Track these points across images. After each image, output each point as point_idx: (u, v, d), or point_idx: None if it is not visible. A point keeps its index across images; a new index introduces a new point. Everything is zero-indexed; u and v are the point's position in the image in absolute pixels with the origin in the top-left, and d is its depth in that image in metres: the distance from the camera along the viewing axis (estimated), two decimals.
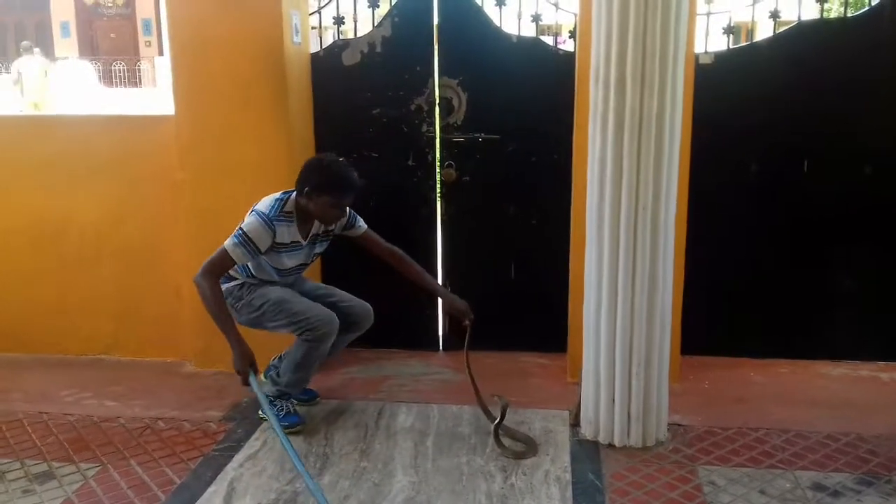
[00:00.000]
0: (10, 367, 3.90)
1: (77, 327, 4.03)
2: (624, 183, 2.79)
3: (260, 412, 3.26)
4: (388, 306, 4.03)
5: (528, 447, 3.01)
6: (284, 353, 3.27)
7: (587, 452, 2.97)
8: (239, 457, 2.98)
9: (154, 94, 16.97)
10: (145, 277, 3.95)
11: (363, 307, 3.31)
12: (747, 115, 3.66)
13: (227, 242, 2.96)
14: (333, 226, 3.19)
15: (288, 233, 3.04)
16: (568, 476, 2.80)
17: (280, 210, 3.02)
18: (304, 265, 3.20)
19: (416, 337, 4.07)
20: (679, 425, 3.15)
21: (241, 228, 2.96)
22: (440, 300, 3.43)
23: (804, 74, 3.62)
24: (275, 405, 3.15)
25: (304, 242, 3.11)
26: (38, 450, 3.06)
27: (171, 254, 3.80)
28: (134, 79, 22.11)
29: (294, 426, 3.13)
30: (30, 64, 11.97)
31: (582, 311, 3.08)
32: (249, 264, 3.07)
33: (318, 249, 3.23)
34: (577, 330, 3.22)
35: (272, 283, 3.16)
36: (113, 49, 22.80)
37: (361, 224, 3.26)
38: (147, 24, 22.19)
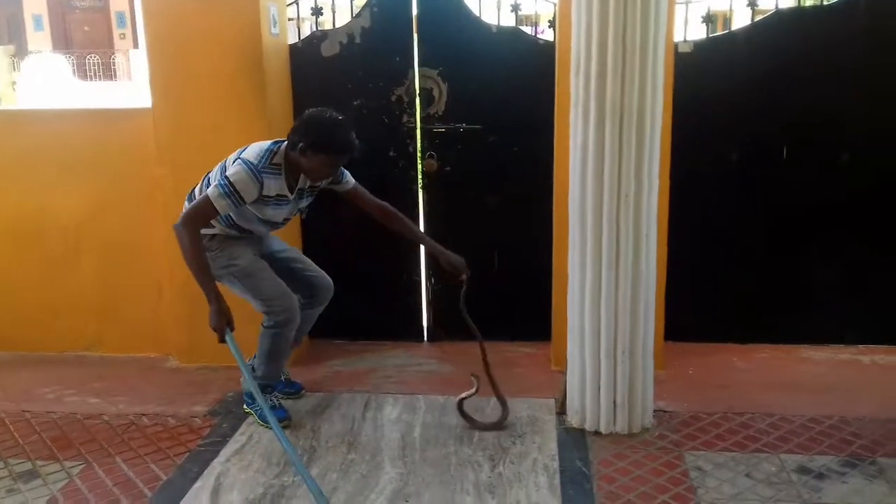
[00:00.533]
0: None
1: (59, 324, 3.99)
2: (606, 173, 2.80)
3: (245, 406, 3.25)
4: (372, 297, 4.05)
5: (496, 421, 3.07)
6: (257, 350, 3.22)
7: (574, 440, 2.99)
8: (225, 451, 2.97)
9: (129, 88, 16.77)
10: (126, 273, 3.92)
11: (325, 279, 3.28)
12: (727, 103, 3.69)
13: (211, 191, 2.82)
14: (311, 182, 3.07)
15: (275, 185, 2.91)
16: (555, 464, 2.82)
17: (269, 161, 2.88)
18: (287, 219, 3.10)
19: (400, 328, 4.07)
20: (664, 411, 3.18)
21: (226, 177, 2.81)
22: (433, 255, 3.24)
23: (782, 63, 3.65)
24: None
25: (290, 196, 2.98)
26: (22, 448, 3.04)
27: (152, 249, 3.77)
28: (108, 72, 21.84)
29: (280, 421, 3.09)
30: None
31: (566, 300, 3.10)
32: (231, 213, 2.94)
33: (303, 204, 3.12)
34: (562, 318, 3.23)
35: (245, 238, 3.07)
36: (87, 42, 22.50)
37: (349, 179, 3.13)
38: (121, 17, 21.90)
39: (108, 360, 3.93)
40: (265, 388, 3.18)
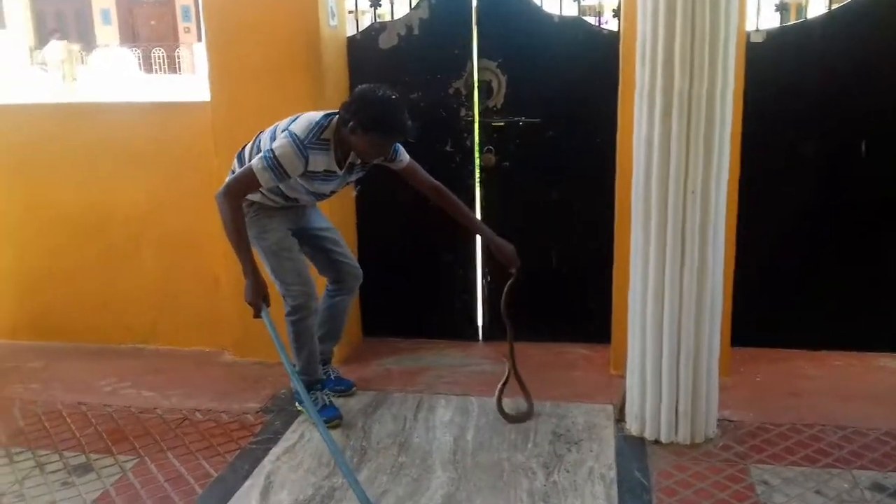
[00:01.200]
0: (52, 356, 3.92)
1: (117, 317, 4.03)
2: (672, 167, 2.67)
3: (297, 404, 3.21)
4: (426, 294, 3.98)
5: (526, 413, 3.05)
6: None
7: (633, 449, 2.87)
8: (276, 450, 2.94)
9: (193, 80, 17.09)
10: (184, 265, 3.93)
11: (353, 268, 3.24)
12: (801, 94, 3.50)
13: (255, 163, 2.75)
14: (360, 161, 2.99)
15: (322, 161, 2.82)
16: (612, 474, 2.71)
17: (318, 136, 2.79)
18: (334, 192, 3.05)
19: (454, 326, 3.99)
20: (729, 421, 3.02)
21: (270, 150, 2.74)
22: (487, 243, 3.18)
23: (860, 52, 3.44)
24: (311, 397, 3.10)
25: (339, 172, 2.90)
26: (77, 441, 3.06)
27: (210, 242, 3.75)
28: (173, 65, 22.31)
29: (331, 420, 3.06)
30: (55, 47, 12.24)
31: (626, 301, 2.97)
32: (282, 185, 2.88)
33: (353, 177, 3.06)
34: (622, 320, 3.11)
35: (285, 209, 3.01)
36: (153, 36, 23.01)
37: (404, 156, 3.03)
38: (186, 11, 22.35)
39: (164, 352, 3.96)
40: (314, 385, 3.13)
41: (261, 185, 2.79)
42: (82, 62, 12.18)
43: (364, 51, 3.75)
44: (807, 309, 3.68)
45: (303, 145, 2.75)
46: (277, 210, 3.01)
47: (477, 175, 3.83)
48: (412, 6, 3.71)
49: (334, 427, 3.05)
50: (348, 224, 3.87)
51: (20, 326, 4.13)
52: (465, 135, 3.77)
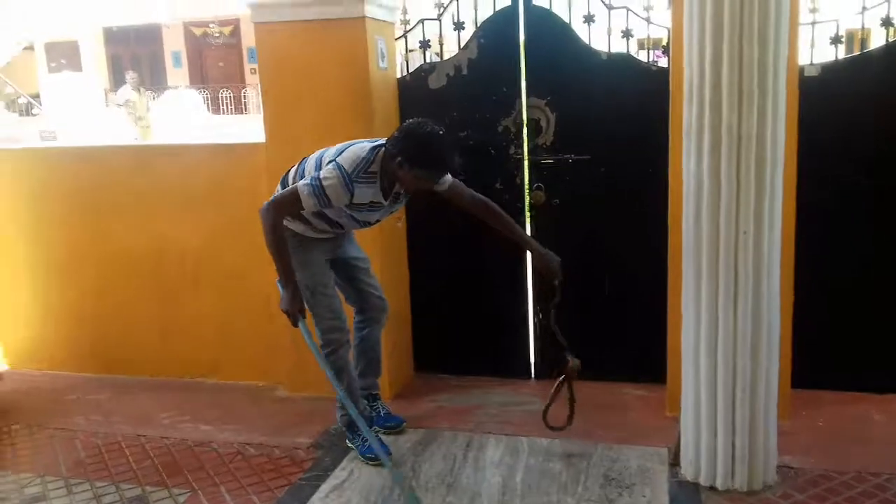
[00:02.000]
0: (115, 389, 4.04)
1: (177, 351, 4.13)
2: (722, 207, 2.62)
3: (348, 441, 3.23)
4: (478, 331, 3.97)
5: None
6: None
7: (687, 495, 2.79)
8: (325, 487, 2.96)
9: (258, 120, 17.56)
10: (241, 302, 4.02)
11: (379, 300, 3.28)
12: (859, 129, 3.40)
13: (302, 187, 2.81)
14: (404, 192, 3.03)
15: (369, 193, 2.87)
16: None
17: (365, 170, 2.84)
18: (378, 220, 3.10)
19: (506, 364, 3.96)
20: (789, 468, 2.91)
21: (318, 179, 2.80)
22: (530, 255, 3.29)
23: None
24: (359, 436, 3.13)
25: (385, 203, 2.95)
26: (134, 473, 3.13)
27: (265, 279, 3.82)
28: (240, 105, 23.01)
29: (376, 457, 3.06)
30: (131, 91, 12.69)
31: (681, 341, 2.91)
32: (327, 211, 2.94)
33: (398, 206, 3.12)
34: (677, 360, 3.04)
35: (326, 239, 3.08)
36: (221, 77, 23.78)
37: (447, 178, 3.03)
38: (252, 53, 22.88)
39: (222, 386, 4.03)
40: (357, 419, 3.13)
41: (303, 208, 2.87)
42: (147, 107, 12.58)
43: (414, 91, 3.81)
44: (872, 351, 3.54)
45: (350, 179, 2.80)
46: (318, 242, 3.08)
47: (527, 212, 3.82)
48: (461, 47, 3.76)
49: (378, 465, 3.04)
50: (400, 259, 3.91)
51: (84, 359, 4.26)
52: (515, 172, 3.78)
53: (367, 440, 3.09)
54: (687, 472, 2.89)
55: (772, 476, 2.82)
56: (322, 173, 2.81)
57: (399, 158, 2.79)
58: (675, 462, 2.97)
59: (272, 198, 2.93)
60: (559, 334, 3.17)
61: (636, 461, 3.03)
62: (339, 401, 3.17)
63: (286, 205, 2.88)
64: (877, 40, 3.51)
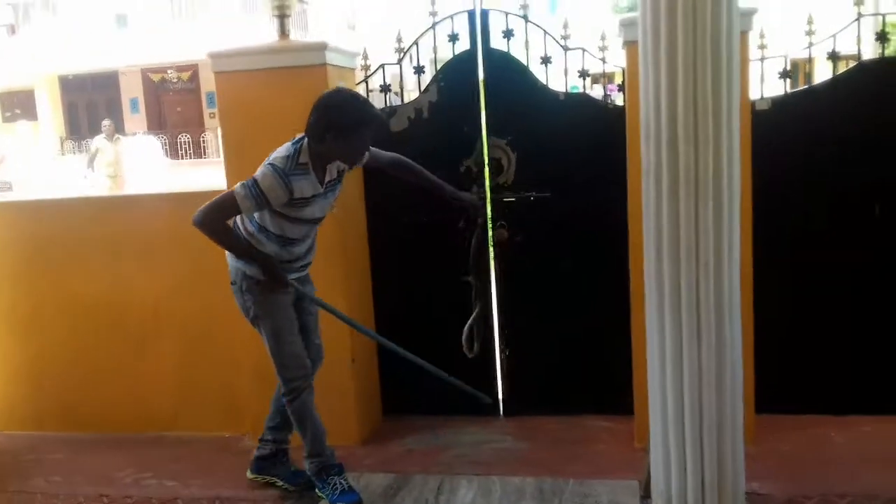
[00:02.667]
0: (74, 447, 3.93)
1: (139, 405, 4.05)
2: (682, 241, 2.66)
3: (317, 490, 3.18)
4: (445, 370, 3.95)
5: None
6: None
7: None
8: None
9: (217, 165, 17.48)
10: (204, 351, 3.96)
11: (320, 352, 3.25)
12: (810, 160, 3.52)
13: (238, 189, 2.77)
14: (347, 167, 3.03)
15: (307, 185, 2.85)
16: None
17: (295, 163, 2.82)
18: (319, 219, 3.03)
19: (474, 401, 3.94)
20: (758, 494, 2.96)
21: (254, 180, 2.78)
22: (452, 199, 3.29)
23: (868, 116, 3.46)
24: (328, 484, 3.09)
25: (322, 191, 2.94)
26: None
27: (229, 327, 3.78)
28: (199, 150, 22.91)
29: None
30: (105, 141, 12.55)
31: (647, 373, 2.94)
32: (255, 237, 2.92)
33: (331, 198, 3.04)
34: (643, 391, 3.06)
35: (285, 293, 3.02)
36: (179, 122, 23.71)
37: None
38: (211, 97, 23.00)
39: (185, 439, 3.95)
40: (329, 470, 3.12)
41: (240, 213, 2.82)
42: (118, 159, 12.43)
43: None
44: (831, 373, 3.62)
45: (285, 174, 2.79)
46: (277, 293, 3.01)
47: (490, 250, 3.85)
48: (421, 90, 3.81)
49: None
50: (364, 299, 3.90)
51: (42, 417, 4.15)
52: None
53: (337, 488, 3.06)
54: (658, 503, 2.89)
55: (741, 503, 2.84)
56: (257, 175, 2.80)
57: (328, 134, 2.78)
58: (646, 494, 2.98)
59: (205, 206, 2.84)
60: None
61: (607, 496, 3.04)
62: (307, 448, 3.14)
63: (221, 210, 2.82)
64: (821, 70, 3.64)
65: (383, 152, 3.20)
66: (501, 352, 3.91)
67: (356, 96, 2.85)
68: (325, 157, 2.86)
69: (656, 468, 2.91)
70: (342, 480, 3.12)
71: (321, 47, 3.47)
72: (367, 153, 3.00)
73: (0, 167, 15.40)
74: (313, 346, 3.22)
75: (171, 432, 4.01)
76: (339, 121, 2.78)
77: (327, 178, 2.95)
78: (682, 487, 2.82)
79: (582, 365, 3.82)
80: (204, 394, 3.98)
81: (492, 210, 3.81)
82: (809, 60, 3.52)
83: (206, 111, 23.24)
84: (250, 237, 2.96)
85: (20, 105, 23.02)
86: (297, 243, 3.01)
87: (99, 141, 12.39)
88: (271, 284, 2.92)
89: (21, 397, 4.18)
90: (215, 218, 2.84)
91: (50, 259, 4.07)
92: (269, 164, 2.84)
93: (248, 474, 3.37)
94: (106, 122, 13.08)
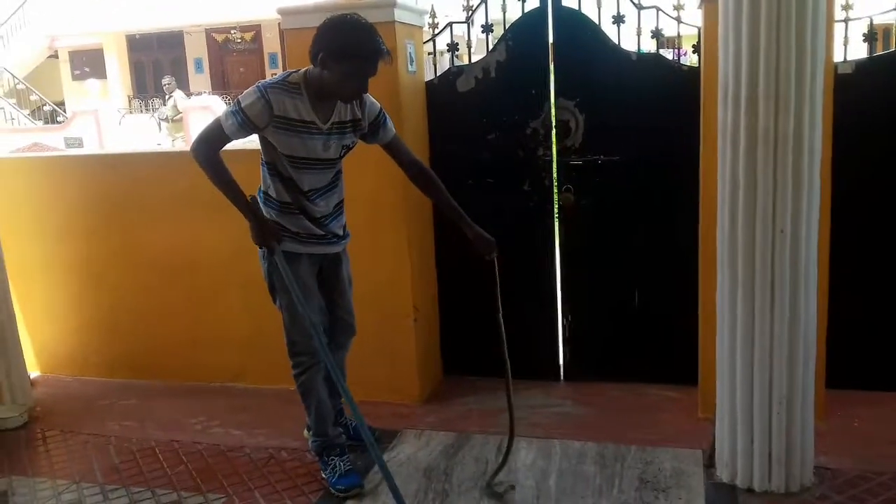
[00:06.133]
0: (145, 395, 4.06)
1: (207, 356, 4.15)
2: (759, 206, 2.59)
3: (321, 472, 3.06)
4: (507, 333, 3.95)
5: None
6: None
7: (723, 497, 2.76)
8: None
9: None
10: (269, 307, 4.00)
11: (349, 325, 3.11)
12: (893, 126, 3.36)
13: (222, 113, 2.69)
14: (360, 113, 2.81)
15: (294, 106, 2.67)
16: None
17: (283, 80, 2.69)
18: (332, 160, 2.83)
19: (535, 365, 3.94)
20: (827, 469, 2.88)
21: (237, 100, 2.68)
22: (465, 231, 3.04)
23: None
24: (329, 466, 3.01)
25: (322, 126, 2.73)
26: (169, 479, 3.15)
27: None
28: None
29: (351, 489, 2.93)
30: (178, 94, 12.97)
31: (714, 342, 2.89)
32: (272, 188, 2.81)
33: (347, 141, 2.84)
34: (709, 362, 3.02)
35: (312, 255, 2.89)
36: (242, 82, 23.90)
37: (391, 127, 2.94)
38: (273, 58, 23.17)
39: (251, 391, 4.04)
40: (330, 450, 3.04)
41: (229, 136, 2.69)
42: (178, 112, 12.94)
43: (442, 94, 3.81)
44: None
45: (265, 88, 2.65)
46: (306, 256, 2.90)
47: (556, 214, 3.81)
48: (489, 49, 3.76)
49: (353, 497, 2.91)
50: (428, 262, 3.91)
51: (115, 365, 4.30)
52: (543, 174, 3.77)
53: (337, 470, 2.98)
54: (723, 474, 2.86)
55: (809, 478, 2.79)
56: (242, 95, 2.71)
57: (322, 55, 2.60)
58: (710, 464, 2.94)
59: (196, 136, 2.76)
60: (501, 327, 3.00)
61: (670, 463, 3.01)
62: (308, 426, 3.10)
63: (211, 137, 2.71)
64: None
65: (407, 149, 3.02)
66: (564, 317, 3.89)
67: (360, 25, 2.61)
68: (320, 85, 2.68)
69: (722, 438, 2.88)
70: (343, 462, 3.02)
71: (390, 4, 3.43)
72: (362, 92, 2.74)
73: (71, 125, 15.83)
74: (340, 321, 3.08)
75: (238, 384, 4.11)
76: (333, 43, 2.59)
77: (335, 118, 2.77)
78: (749, 459, 2.79)
79: (645, 332, 3.78)
80: (271, 347, 4.02)
81: (558, 173, 3.76)
82: None
83: (269, 72, 23.39)
84: (267, 188, 2.87)
85: (89, 63, 23.55)
86: (313, 196, 2.85)
87: (174, 98, 12.79)
88: (254, 236, 2.80)
89: (94, 346, 4.33)
90: (205, 146, 2.71)
91: (122, 213, 4.17)
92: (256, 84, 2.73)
93: (305, 433, 3.28)
94: (166, 80, 13.37)
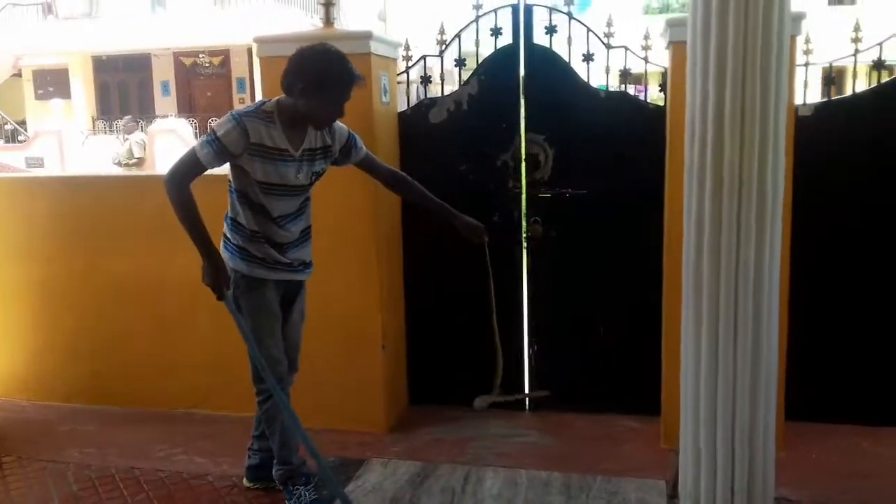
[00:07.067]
0: (106, 421, 3.99)
1: (170, 382, 4.10)
2: (723, 243, 2.66)
3: (286, 500, 3.06)
4: (472, 362, 3.98)
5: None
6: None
7: None
8: None
9: None
10: (234, 333, 3.99)
11: (295, 362, 3.11)
12: (851, 168, 3.49)
13: (197, 143, 2.71)
14: (331, 140, 2.88)
15: (269, 134, 2.71)
16: None
17: (258, 109, 2.73)
18: (302, 186, 2.87)
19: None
20: (787, 500, 2.95)
21: (212, 129, 2.71)
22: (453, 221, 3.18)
23: None
24: (294, 495, 3.01)
25: (294, 153, 2.78)
26: None
27: None
28: None
29: None
30: (137, 136, 12.85)
31: (677, 374, 2.92)
32: (242, 215, 2.83)
33: (317, 168, 2.89)
34: (672, 393, 3.07)
35: (276, 281, 2.91)
36: (209, 106, 23.80)
37: (361, 146, 3.02)
38: (241, 83, 23.13)
39: (214, 417, 3.99)
40: (296, 479, 3.03)
41: (204, 166, 2.70)
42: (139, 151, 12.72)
43: (414, 125, 3.87)
44: (863, 382, 3.60)
45: (239, 116, 2.69)
46: (269, 283, 2.92)
47: (524, 245, 3.86)
48: (461, 83, 3.82)
49: None
50: (396, 287, 3.92)
51: (76, 391, 4.22)
52: (513, 206, 3.83)
53: (302, 499, 2.97)
54: None
55: None
56: (216, 125, 2.74)
57: (300, 86, 2.66)
58: (673, 494, 2.98)
59: (170, 169, 2.75)
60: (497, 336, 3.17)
61: (635, 494, 3.04)
62: (276, 454, 3.07)
63: (186, 168, 2.71)
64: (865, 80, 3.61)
65: (381, 162, 3.13)
66: (530, 346, 3.93)
67: (335, 54, 2.69)
68: (297, 114, 2.74)
69: (685, 469, 2.91)
70: (308, 491, 3.01)
71: (366, 36, 3.49)
72: (339, 117, 2.82)
73: (32, 145, 15.60)
74: (289, 356, 3.07)
75: (202, 410, 4.06)
76: (311, 75, 2.66)
77: (306, 145, 2.82)
78: (711, 490, 2.82)
79: (609, 364, 3.83)
80: (235, 374, 4.00)
81: (527, 206, 3.82)
82: (854, 68, 3.49)
83: (236, 96, 23.34)
84: (236, 215, 2.89)
85: (53, 83, 23.26)
86: (282, 222, 2.88)
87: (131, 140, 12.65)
88: (208, 278, 2.82)
89: (53, 369, 4.25)
90: (177, 176, 2.71)
91: (85, 235, 4.13)
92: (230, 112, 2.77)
93: (245, 482, 3.24)
94: (124, 120, 13.26)
